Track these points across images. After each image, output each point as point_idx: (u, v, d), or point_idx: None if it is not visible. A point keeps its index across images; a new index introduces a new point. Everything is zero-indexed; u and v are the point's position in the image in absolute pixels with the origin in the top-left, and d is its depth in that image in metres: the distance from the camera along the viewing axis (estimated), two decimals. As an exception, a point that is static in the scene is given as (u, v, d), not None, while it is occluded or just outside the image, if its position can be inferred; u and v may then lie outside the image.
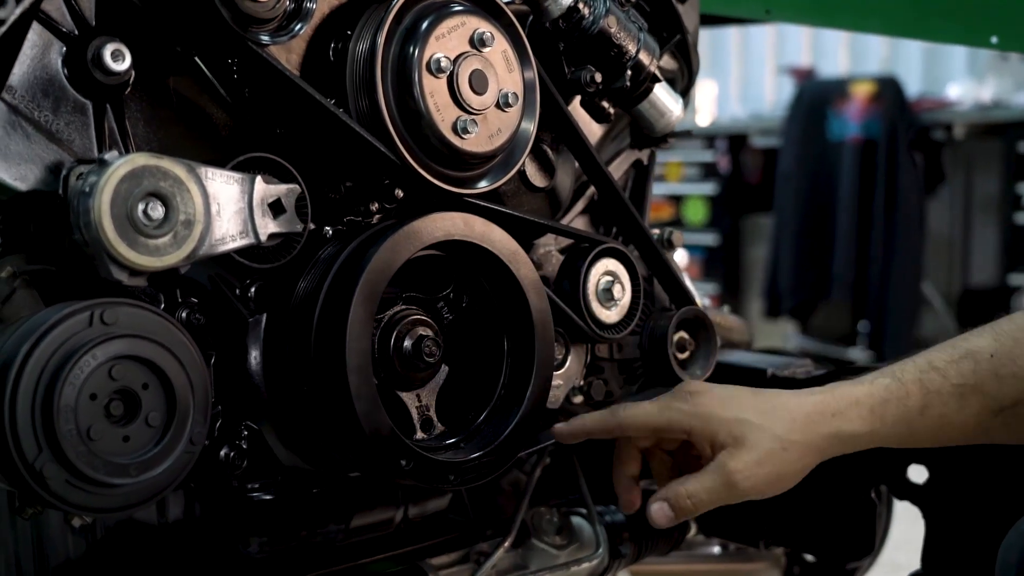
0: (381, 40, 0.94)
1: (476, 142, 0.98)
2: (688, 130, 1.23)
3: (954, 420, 0.98)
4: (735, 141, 5.67)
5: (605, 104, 1.12)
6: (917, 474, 1.27)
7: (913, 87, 5.33)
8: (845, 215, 4.95)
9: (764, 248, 5.56)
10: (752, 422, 0.99)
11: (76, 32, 0.85)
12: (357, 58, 0.95)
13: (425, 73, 0.95)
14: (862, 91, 4.89)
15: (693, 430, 1.01)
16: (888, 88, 4.83)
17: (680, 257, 1.50)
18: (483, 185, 1.01)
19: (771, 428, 0.99)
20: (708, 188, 5.72)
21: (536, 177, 1.12)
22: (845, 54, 5.91)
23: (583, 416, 1.08)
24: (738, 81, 6.53)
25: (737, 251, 5.82)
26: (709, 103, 6.19)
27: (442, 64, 0.95)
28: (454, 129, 0.96)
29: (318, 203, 0.97)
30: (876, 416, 0.99)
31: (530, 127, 1.04)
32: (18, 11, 0.75)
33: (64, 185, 0.83)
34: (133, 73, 0.87)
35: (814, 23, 1.86)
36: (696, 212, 5.79)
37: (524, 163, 1.09)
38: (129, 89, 0.88)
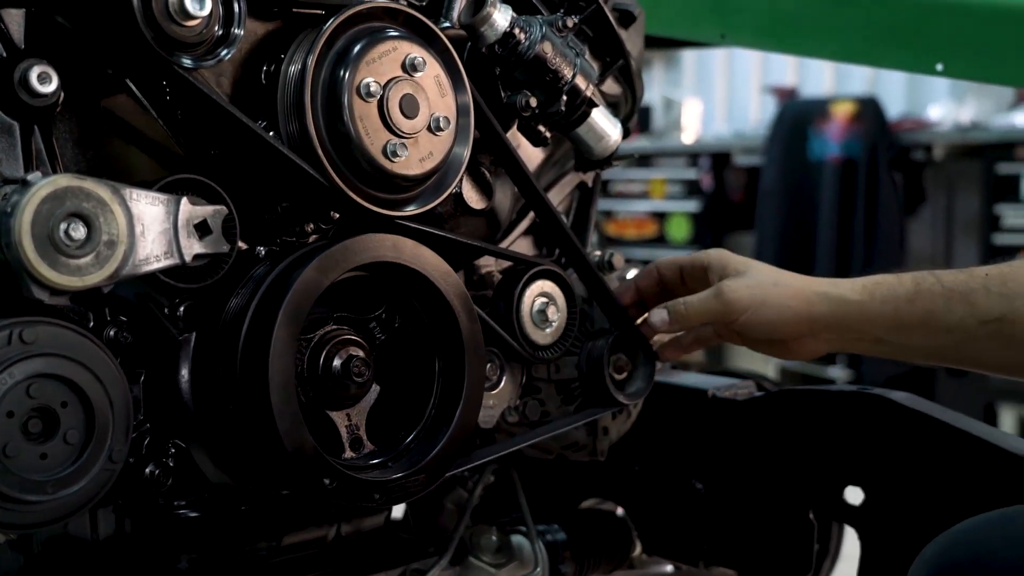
0: (312, 63, 0.95)
1: (406, 165, 0.99)
2: (631, 153, 1.25)
3: (940, 318, 1.03)
4: (718, 159, 5.70)
5: (542, 128, 1.13)
6: (854, 496, 1.28)
7: (896, 108, 5.36)
8: (826, 234, 4.97)
9: (745, 267, 5.57)
10: (757, 266, 1.12)
11: (4, 54, 0.86)
12: (288, 81, 0.96)
13: (355, 97, 0.96)
14: (843, 111, 4.92)
15: (710, 263, 1.14)
16: (868, 108, 4.86)
17: (631, 275, 1.51)
18: (414, 208, 1.03)
19: (771, 272, 1.11)
20: (691, 205, 5.74)
21: (474, 199, 1.14)
22: (830, 74, 5.95)
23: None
24: (724, 100, 6.57)
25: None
26: (694, 121, 6.22)
27: (372, 89, 0.97)
28: (384, 152, 0.98)
29: (253, 223, 0.99)
30: (867, 291, 1.06)
31: (463, 151, 1.05)
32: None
33: (-11, 205, 0.84)
34: (62, 94, 0.88)
35: (767, 48, 1.89)
36: (679, 229, 5.81)
37: (460, 185, 1.11)
38: (59, 109, 0.89)
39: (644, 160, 5.88)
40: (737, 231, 5.74)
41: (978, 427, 1.14)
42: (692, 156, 5.76)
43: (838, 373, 5.07)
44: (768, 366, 5.45)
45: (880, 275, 1.07)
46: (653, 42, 1.67)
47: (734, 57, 6.42)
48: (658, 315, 1.15)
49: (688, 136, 6.09)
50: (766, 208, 5.27)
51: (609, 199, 5.87)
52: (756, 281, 1.10)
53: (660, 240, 5.83)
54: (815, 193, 5.02)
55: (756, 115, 6.29)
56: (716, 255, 1.15)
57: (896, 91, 5.58)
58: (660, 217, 5.85)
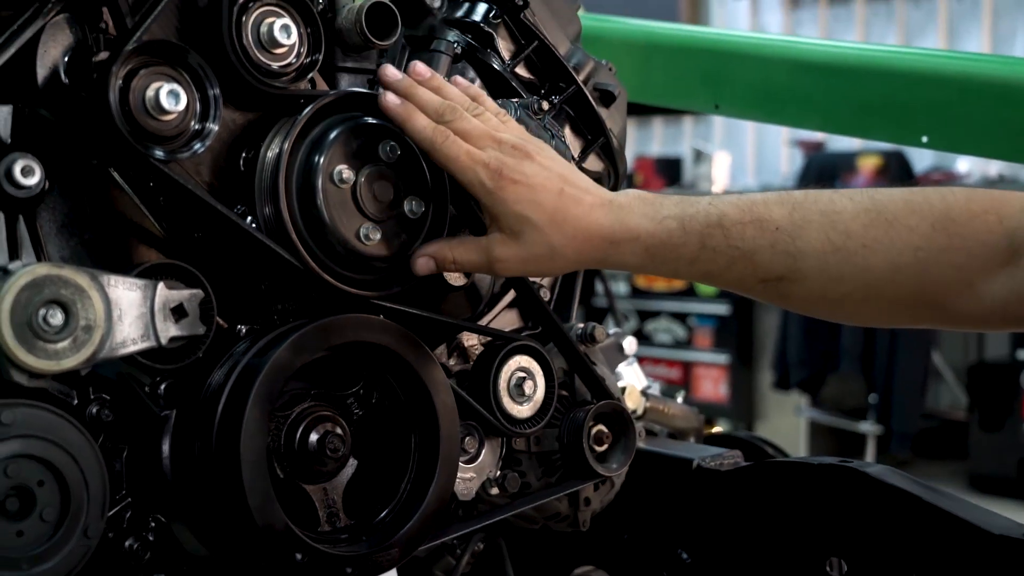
0: (287, 149, 1.00)
1: (380, 247, 1.03)
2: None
3: (718, 277, 1.03)
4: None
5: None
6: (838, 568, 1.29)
7: (924, 160, 5.36)
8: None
9: (776, 318, 5.57)
10: (534, 224, 1.02)
11: (-11, 149, 0.91)
12: (264, 167, 1.01)
13: (328, 183, 1.00)
14: (869, 164, 4.93)
15: (483, 205, 1.05)
16: (894, 162, 4.87)
17: (629, 345, 1.54)
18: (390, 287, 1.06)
19: (550, 235, 1.02)
20: (720, 258, 5.73)
21: (452, 276, 1.16)
22: (859, 127, 5.95)
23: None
24: (752, 152, 6.59)
25: (749, 321, 5.83)
26: (723, 174, 6.25)
27: (344, 175, 1.01)
28: (357, 236, 1.02)
29: (234, 302, 1.03)
30: (648, 255, 1.03)
31: (440, 228, 1.09)
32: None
33: (-26, 292, 0.89)
34: (46, 184, 0.93)
35: (759, 119, 1.92)
36: (709, 282, 5.81)
37: (438, 263, 1.14)
38: (43, 199, 0.94)
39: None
40: (767, 284, 5.72)
41: (958, 504, 1.14)
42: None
43: (869, 428, 5.04)
44: (799, 417, 5.43)
45: (669, 224, 1.02)
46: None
47: (763, 110, 6.44)
48: (424, 263, 1.06)
49: (717, 188, 6.11)
50: (794, 261, 5.25)
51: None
52: (531, 254, 1.03)
53: (689, 292, 5.84)
54: (843, 246, 5.01)
55: (784, 167, 6.32)
56: (489, 197, 1.03)
57: (925, 144, 5.58)
58: (689, 270, 5.84)
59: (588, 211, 1.03)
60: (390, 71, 1.07)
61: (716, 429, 1.76)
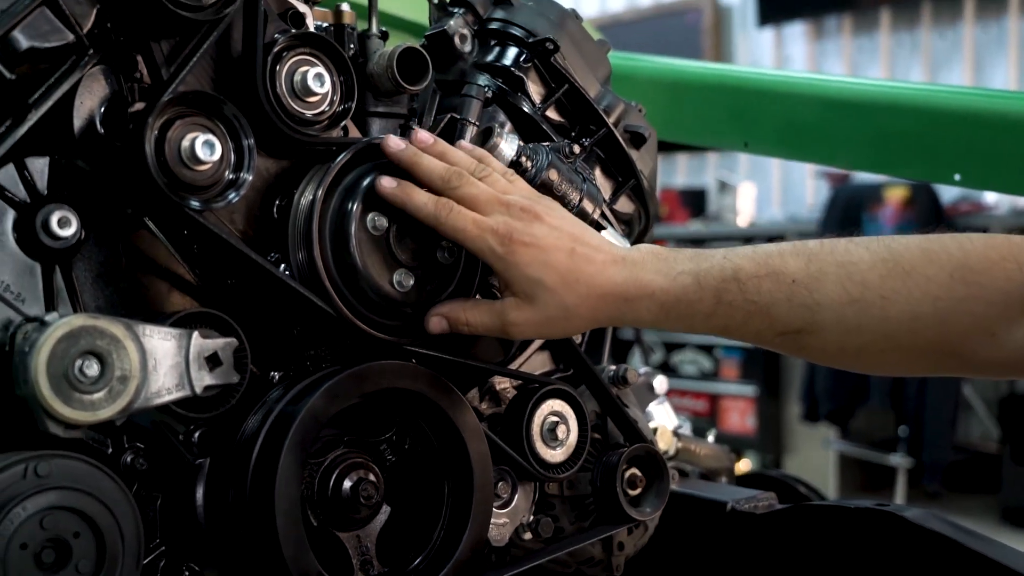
0: (320, 195, 1.00)
1: (413, 294, 1.03)
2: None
3: (735, 331, 1.02)
4: (772, 242, 5.68)
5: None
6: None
7: (952, 190, 5.33)
8: (881, 319, 4.92)
9: (803, 350, 5.52)
10: (547, 286, 1.01)
11: (27, 200, 0.92)
12: (297, 214, 1.01)
13: (361, 229, 1.00)
14: (896, 196, 4.90)
15: (495, 271, 1.04)
16: (921, 194, 4.84)
17: (659, 384, 1.53)
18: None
19: (564, 297, 1.01)
20: (747, 290, 5.71)
21: (484, 320, 1.16)
22: (884, 157, 5.93)
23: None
24: (778, 183, 6.58)
25: (776, 353, 5.78)
26: (748, 205, 6.23)
27: (377, 223, 1.01)
28: (391, 283, 1.02)
29: (267, 349, 1.03)
30: (664, 312, 1.02)
31: (472, 277, 1.09)
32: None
33: (11, 342, 0.89)
34: (82, 234, 0.94)
35: (788, 157, 1.91)
36: (735, 313, 5.78)
37: (470, 308, 1.13)
38: (79, 249, 0.94)
39: (698, 244, 5.89)
40: (793, 315, 5.69)
41: (998, 549, 1.12)
42: (746, 240, 5.76)
43: (899, 460, 4.98)
44: (829, 451, 5.38)
45: (683, 280, 1.01)
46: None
47: (788, 141, 6.43)
48: (437, 323, 1.05)
49: (742, 220, 6.10)
50: (821, 292, 5.22)
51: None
52: (546, 317, 1.02)
53: (716, 325, 5.80)
54: (870, 278, 4.97)
55: (810, 199, 6.29)
56: (500, 263, 1.02)
57: (952, 173, 5.54)
58: (715, 301, 5.82)
59: (601, 269, 1.02)
60: (392, 142, 1.05)
61: (744, 461, 1.74)
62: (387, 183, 1.02)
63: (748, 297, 0.99)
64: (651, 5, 7.13)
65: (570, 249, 1.02)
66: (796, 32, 6.45)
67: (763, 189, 6.47)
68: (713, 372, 5.90)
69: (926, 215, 4.83)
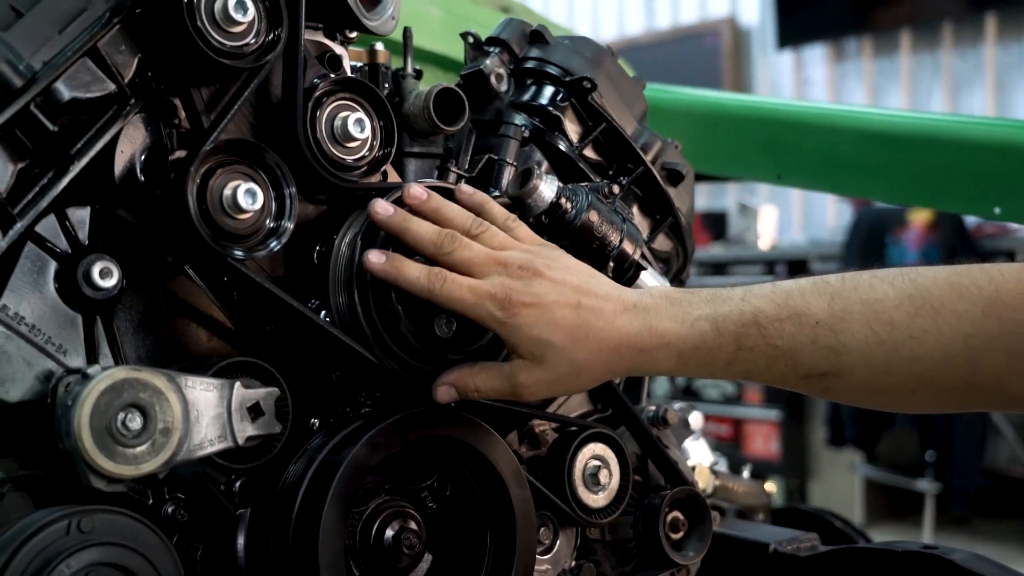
0: (361, 241, 0.99)
1: (453, 340, 1.02)
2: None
3: (757, 376, 0.97)
4: (795, 267, 5.65)
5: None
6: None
7: (976, 212, 5.29)
8: (906, 343, 4.87)
9: (827, 374, 5.48)
10: (555, 345, 0.96)
11: (69, 251, 0.91)
12: (338, 260, 1.00)
13: (403, 276, 0.99)
14: (920, 219, 4.87)
15: (500, 335, 0.99)
16: (945, 216, 4.80)
17: (695, 420, 1.51)
18: (463, 379, 1.04)
19: (573, 354, 0.96)
20: (769, 313, 5.68)
21: (524, 363, 1.15)
22: (906, 179, 5.90)
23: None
24: (800, 206, 6.55)
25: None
26: (770, 228, 6.20)
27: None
28: (431, 328, 1.00)
29: (306, 394, 1.02)
30: (682, 361, 0.97)
31: (511, 321, 1.07)
32: (5, 243, 0.81)
33: (53, 395, 0.88)
34: (123, 283, 0.93)
35: (822, 189, 1.89)
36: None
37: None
38: (120, 298, 0.94)
39: (719, 267, 5.86)
40: (817, 339, 5.65)
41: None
42: (768, 263, 5.72)
43: (926, 486, 4.93)
44: (854, 474, 5.33)
45: (701, 326, 0.96)
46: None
47: (809, 163, 6.40)
48: (445, 392, 1.01)
49: (764, 243, 6.07)
50: (845, 316, 5.19)
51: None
52: (556, 376, 0.97)
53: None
54: (895, 301, 4.94)
55: (832, 222, 6.26)
56: (503, 328, 0.97)
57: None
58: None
59: (611, 321, 0.97)
60: (379, 206, 1.00)
61: (768, 484, 1.72)
62: (375, 259, 0.98)
63: (770, 342, 0.95)
64: (669, 28, 7.13)
65: (576, 303, 0.97)
66: (816, 55, 6.43)
67: (784, 212, 6.44)
68: (736, 396, 5.86)
69: (951, 238, 4.79)
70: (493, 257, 1.00)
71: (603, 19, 7.39)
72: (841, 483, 5.41)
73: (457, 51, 1.96)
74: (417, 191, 1.03)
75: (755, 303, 0.97)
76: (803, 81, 6.50)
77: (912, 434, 5.06)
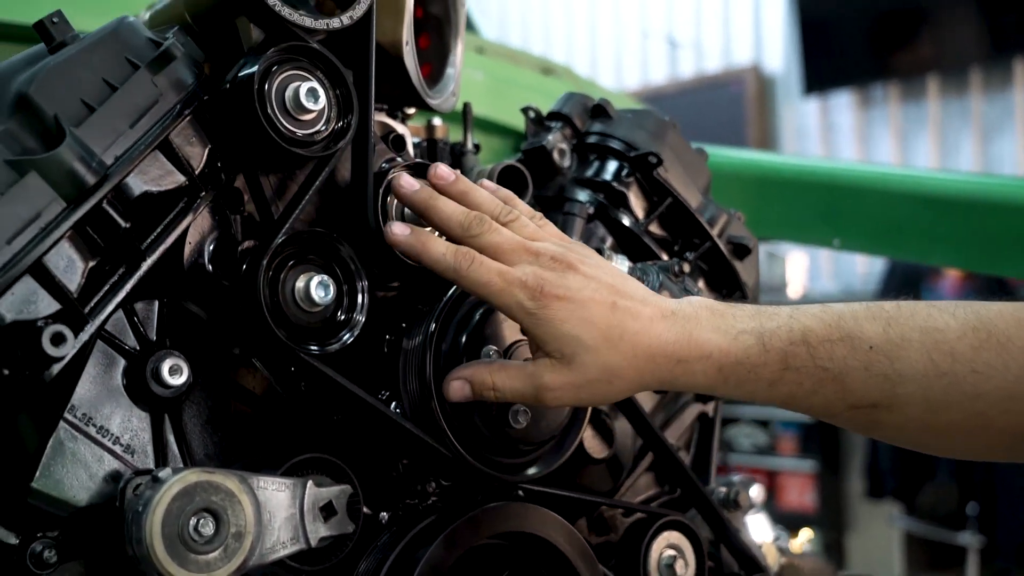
0: (433, 330, 0.96)
1: (529, 429, 0.98)
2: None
3: (801, 401, 0.89)
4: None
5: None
6: None
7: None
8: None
9: (863, 424, 5.41)
10: (587, 344, 0.88)
11: (137, 348, 0.89)
12: (409, 349, 0.97)
13: (476, 365, 0.96)
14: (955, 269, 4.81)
15: (525, 329, 0.91)
16: (982, 264, 4.74)
17: (756, 493, 1.47)
18: (537, 470, 1.01)
19: (606, 356, 0.88)
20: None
21: (595, 448, 1.12)
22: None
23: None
24: (830, 254, 6.49)
25: (836, 427, 5.66)
26: (800, 276, 6.16)
27: (492, 357, 0.96)
28: (506, 418, 0.97)
29: (374, 485, 0.98)
30: (722, 376, 0.89)
31: (583, 410, 1.04)
32: (76, 346, 0.78)
33: (121, 497, 0.85)
34: (192, 379, 0.90)
35: (882, 254, 1.86)
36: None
37: (582, 437, 1.09)
38: (188, 395, 0.91)
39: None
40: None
41: None
42: (799, 312, 5.67)
43: (968, 539, 4.83)
44: (894, 529, 5.24)
45: (745, 340, 0.89)
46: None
47: (837, 210, 6.36)
48: (459, 388, 0.93)
49: (793, 290, 6.01)
50: (881, 365, 5.12)
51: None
52: (586, 380, 0.89)
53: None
54: (932, 350, 4.87)
55: (863, 269, 6.20)
56: (530, 319, 0.89)
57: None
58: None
59: (648, 325, 0.89)
60: (404, 180, 0.95)
61: (804, 531, 1.67)
62: (399, 230, 0.92)
63: (819, 363, 0.87)
64: (693, 77, 7.13)
65: (611, 302, 0.90)
66: (842, 101, 6.41)
67: (814, 259, 6.38)
68: (770, 447, 5.78)
69: (986, 286, 4.73)
70: (524, 245, 0.93)
71: (626, 68, 7.40)
72: (879, 536, 5.32)
73: (500, 113, 1.95)
74: (445, 171, 0.97)
75: (804, 321, 0.89)
76: (829, 127, 6.48)
77: (953, 486, 4.97)
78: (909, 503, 5.20)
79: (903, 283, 5.04)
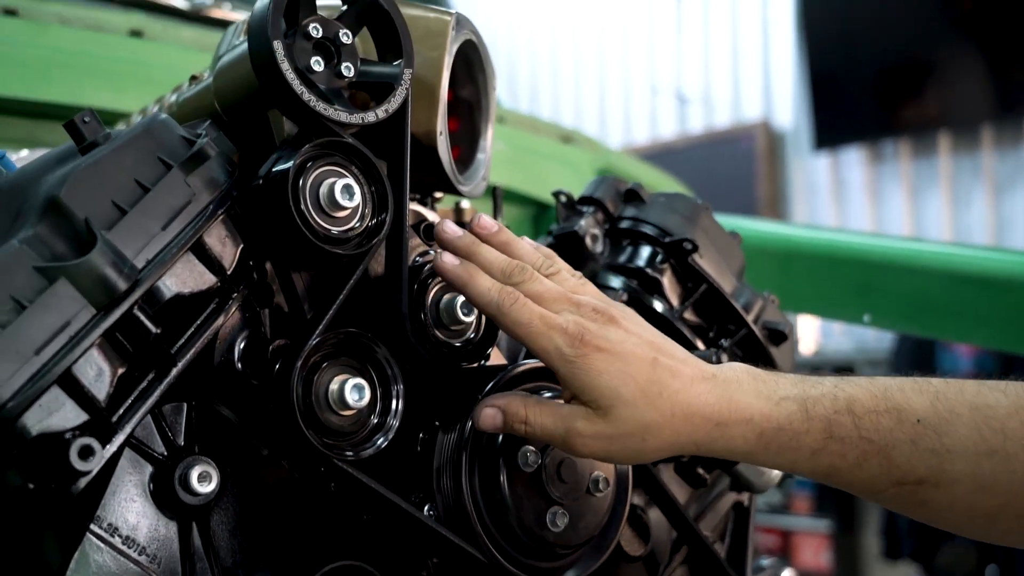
0: (468, 431, 0.93)
1: (566, 533, 0.95)
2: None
3: (844, 474, 0.86)
4: (841, 372, 5.54)
5: (700, 470, 1.08)
6: None
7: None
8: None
9: (879, 483, 5.34)
10: (625, 399, 0.85)
11: (165, 453, 0.86)
12: (443, 449, 0.94)
13: (512, 465, 0.93)
14: (971, 326, 4.77)
15: (561, 377, 0.88)
16: (998, 324, 4.70)
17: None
18: (575, 574, 0.97)
19: (643, 412, 0.85)
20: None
21: (633, 546, 1.08)
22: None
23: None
24: (841, 309, 6.45)
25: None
26: (813, 333, 6.11)
27: (529, 458, 0.93)
28: (542, 522, 0.94)
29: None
30: (762, 443, 0.86)
31: (622, 507, 1.00)
32: (105, 457, 0.75)
33: (146, 613, 0.82)
34: (221, 486, 0.87)
35: (915, 332, 1.83)
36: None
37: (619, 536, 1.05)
38: (217, 502, 0.88)
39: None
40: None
41: None
42: (813, 369, 5.63)
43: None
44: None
45: (788, 406, 0.86)
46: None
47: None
48: (491, 417, 0.90)
49: (805, 347, 5.97)
50: (896, 424, 5.07)
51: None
52: (620, 434, 0.86)
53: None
54: (948, 409, 4.82)
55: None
56: (567, 367, 0.86)
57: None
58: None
59: (688, 384, 0.87)
60: (449, 227, 0.94)
61: None
62: (449, 260, 0.91)
63: (864, 435, 0.84)
64: (703, 132, 7.14)
65: (652, 358, 0.88)
66: (853, 157, 6.40)
67: (826, 315, 6.34)
68: (784, 506, 5.71)
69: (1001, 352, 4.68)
70: (565, 295, 0.91)
71: (636, 124, 7.42)
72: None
73: (521, 183, 1.93)
74: (488, 221, 0.95)
75: (850, 391, 0.87)
76: (839, 182, 6.47)
77: (972, 547, 4.89)
78: (927, 565, 5.12)
79: (919, 342, 4.99)
